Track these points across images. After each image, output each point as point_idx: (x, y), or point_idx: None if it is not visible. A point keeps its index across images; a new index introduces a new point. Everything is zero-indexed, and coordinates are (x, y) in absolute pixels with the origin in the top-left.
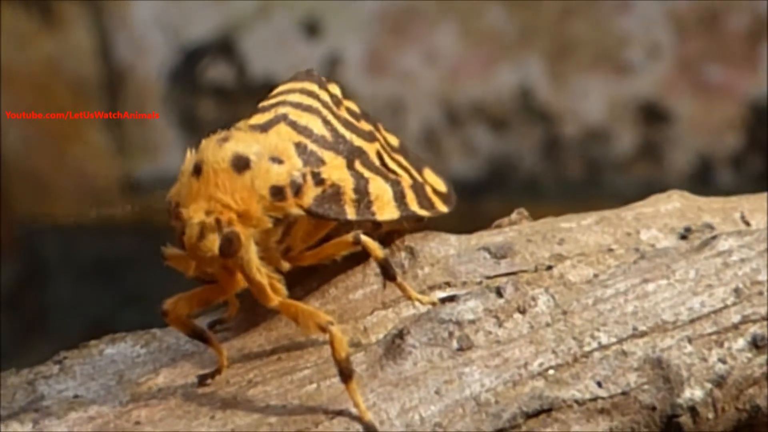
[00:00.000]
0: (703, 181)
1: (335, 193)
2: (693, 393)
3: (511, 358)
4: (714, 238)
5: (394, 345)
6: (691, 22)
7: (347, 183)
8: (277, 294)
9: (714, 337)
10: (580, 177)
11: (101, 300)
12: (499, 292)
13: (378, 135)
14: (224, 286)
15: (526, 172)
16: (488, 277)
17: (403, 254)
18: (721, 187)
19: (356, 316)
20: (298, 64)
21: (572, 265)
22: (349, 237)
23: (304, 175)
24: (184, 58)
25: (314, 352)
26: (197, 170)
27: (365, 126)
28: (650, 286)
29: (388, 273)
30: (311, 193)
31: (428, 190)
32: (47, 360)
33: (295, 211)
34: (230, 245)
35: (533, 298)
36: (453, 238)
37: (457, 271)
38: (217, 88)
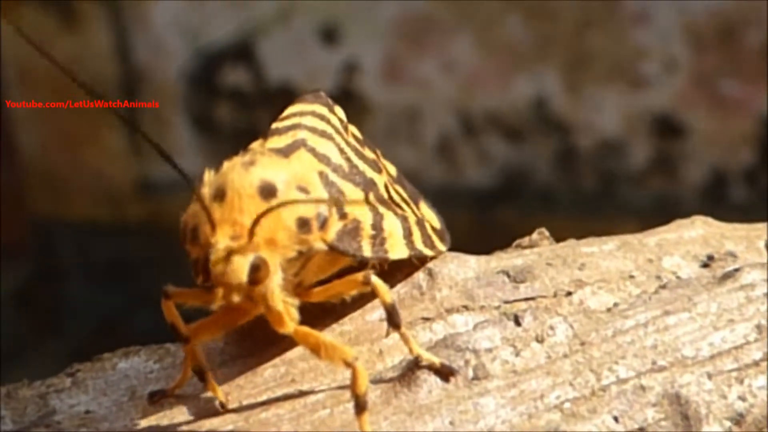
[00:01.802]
0: (716, 195)
1: (354, 228)
2: (711, 430)
3: (527, 389)
4: (737, 270)
5: (409, 372)
6: (708, 36)
7: (366, 218)
8: (292, 321)
9: (734, 373)
10: (594, 188)
11: (114, 300)
12: (517, 320)
13: (380, 164)
14: (248, 310)
15: (540, 182)
16: (507, 302)
17: (421, 275)
18: (734, 202)
19: (372, 338)
20: (315, 71)
21: (592, 291)
22: (359, 276)
23: (329, 208)
24: (202, 61)
25: (328, 375)
26: (221, 195)
27: (369, 154)
28: (671, 319)
29: (393, 320)
30: (334, 227)
31: (428, 226)
32: (59, 360)
33: (319, 245)
34: (258, 271)
35: (551, 327)
36: (473, 260)
37: (475, 294)
38: (234, 91)
